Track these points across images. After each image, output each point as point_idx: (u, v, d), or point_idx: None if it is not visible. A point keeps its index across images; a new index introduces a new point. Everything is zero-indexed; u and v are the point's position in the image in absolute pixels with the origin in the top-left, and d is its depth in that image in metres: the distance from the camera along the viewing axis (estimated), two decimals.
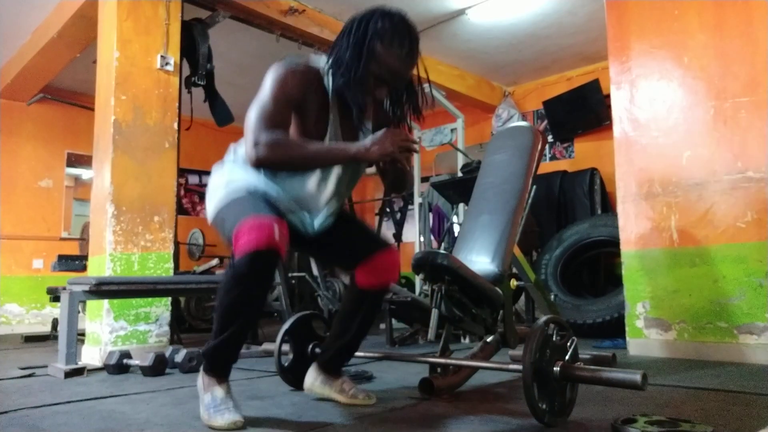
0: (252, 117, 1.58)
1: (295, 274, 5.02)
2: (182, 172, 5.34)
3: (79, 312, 2.68)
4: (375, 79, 1.62)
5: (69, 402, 1.97)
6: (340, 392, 1.86)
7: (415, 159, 5.35)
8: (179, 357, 2.67)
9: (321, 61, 1.71)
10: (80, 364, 2.66)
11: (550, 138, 5.80)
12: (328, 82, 1.67)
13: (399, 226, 6.04)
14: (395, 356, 2.37)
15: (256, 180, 1.68)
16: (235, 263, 1.52)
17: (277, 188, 1.70)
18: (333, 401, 1.87)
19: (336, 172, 1.72)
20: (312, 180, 1.70)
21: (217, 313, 1.60)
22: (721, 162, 2.87)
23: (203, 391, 1.63)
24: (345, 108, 1.70)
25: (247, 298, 1.57)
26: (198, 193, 7.12)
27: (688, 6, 3.04)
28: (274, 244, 1.50)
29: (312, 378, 1.93)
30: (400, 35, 1.60)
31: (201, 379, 1.65)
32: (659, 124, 3.11)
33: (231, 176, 1.71)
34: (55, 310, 5.25)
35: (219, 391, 1.60)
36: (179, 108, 3.46)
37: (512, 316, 2.21)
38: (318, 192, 1.72)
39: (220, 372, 1.63)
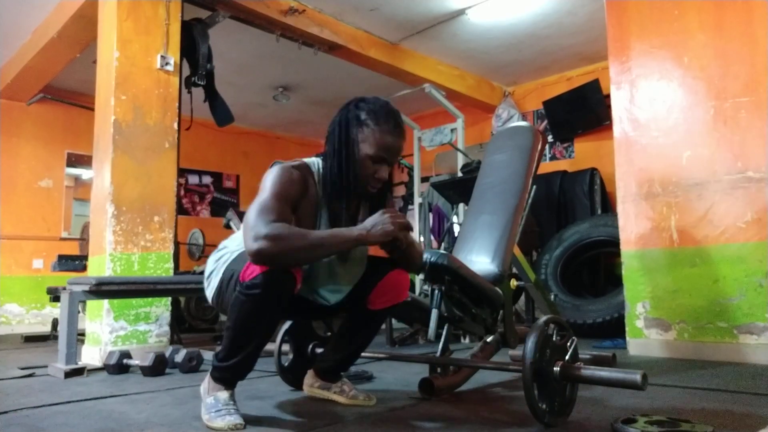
0: (252, 213, 1.52)
1: None
2: (182, 172, 5.35)
3: (79, 312, 2.68)
4: (373, 162, 1.63)
5: (69, 402, 1.97)
6: (340, 393, 1.87)
7: (415, 159, 5.35)
8: (179, 357, 2.67)
9: (314, 164, 1.70)
10: (80, 364, 2.66)
11: (550, 138, 5.80)
12: (320, 187, 1.67)
13: None
14: (395, 356, 2.37)
15: None
16: (246, 284, 1.49)
17: None
18: (333, 402, 1.87)
19: (339, 260, 1.72)
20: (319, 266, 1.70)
21: (226, 335, 1.58)
22: (721, 162, 2.87)
23: (206, 394, 1.62)
24: (336, 207, 1.70)
25: (258, 322, 1.54)
26: (198, 193, 7.12)
27: (688, 6, 3.04)
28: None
29: (311, 381, 1.94)
30: (383, 113, 1.63)
31: (206, 383, 1.65)
32: (659, 124, 3.11)
33: (232, 245, 1.70)
34: (55, 310, 5.26)
35: (222, 395, 1.60)
36: (179, 108, 3.46)
37: (512, 316, 2.21)
38: (327, 276, 1.72)
39: (226, 384, 1.63)
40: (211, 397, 1.60)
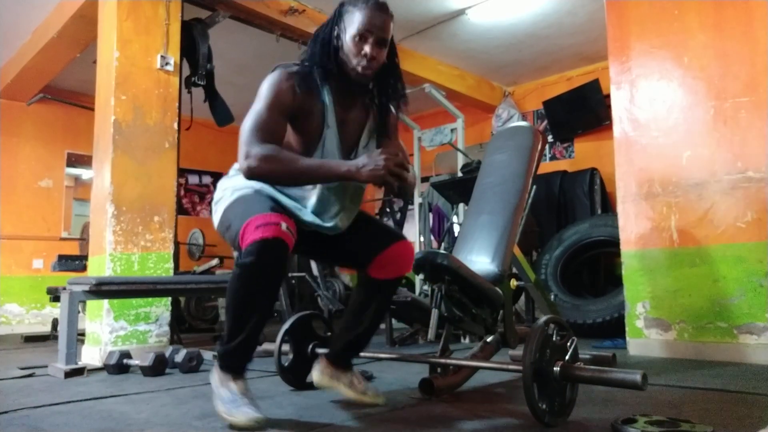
0: (246, 127, 1.59)
1: (295, 274, 5.02)
2: (182, 172, 5.34)
3: (79, 312, 2.68)
4: (359, 40, 1.63)
5: (69, 402, 1.97)
6: (349, 386, 1.83)
7: (415, 159, 5.35)
8: (179, 357, 2.67)
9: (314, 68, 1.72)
10: (80, 364, 2.66)
11: (550, 138, 5.80)
12: (317, 78, 1.68)
13: (399, 226, 6.00)
14: (395, 356, 2.37)
15: (260, 185, 1.68)
16: (242, 255, 1.50)
17: (280, 195, 1.70)
18: (340, 398, 1.86)
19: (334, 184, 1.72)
20: (311, 189, 1.71)
21: (228, 315, 1.57)
22: (721, 162, 2.87)
23: (219, 387, 1.60)
24: (342, 100, 1.71)
25: (256, 292, 1.54)
26: (198, 193, 7.12)
27: (688, 6, 3.04)
28: (281, 234, 1.48)
29: (320, 370, 1.89)
30: None
31: (216, 375, 1.63)
32: (659, 124, 3.11)
33: (237, 183, 1.71)
34: (55, 310, 5.25)
35: (236, 386, 1.58)
36: (179, 108, 3.46)
37: (512, 316, 2.21)
38: (319, 200, 1.72)
39: (236, 371, 1.61)
40: (224, 388, 1.58)
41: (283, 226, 1.50)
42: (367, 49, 1.63)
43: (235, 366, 1.60)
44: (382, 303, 1.85)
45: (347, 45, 1.64)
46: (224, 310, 1.62)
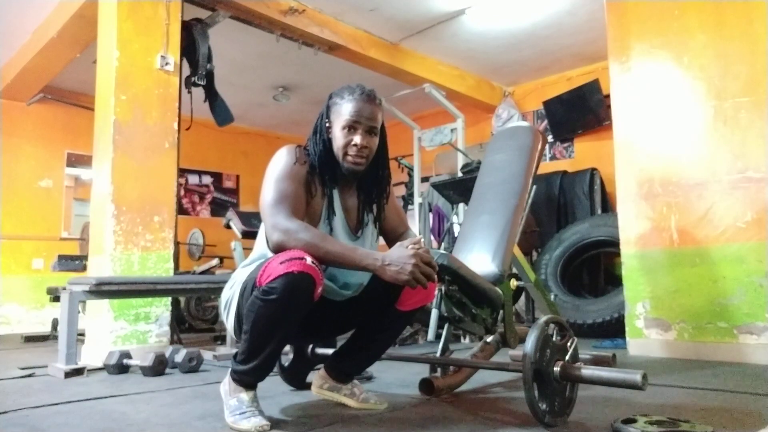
0: (267, 199, 1.58)
1: None
2: (182, 172, 5.34)
3: (79, 312, 2.68)
4: (347, 132, 1.66)
5: (69, 402, 1.97)
6: (350, 396, 1.83)
7: (415, 159, 5.35)
8: (179, 357, 2.67)
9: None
10: (80, 364, 2.66)
11: (550, 138, 5.80)
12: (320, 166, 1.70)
13: None
14: (395, 356, 2.36)
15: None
16: (263, 288, 1.45)
17: None
18: (335, 403, 1.86)
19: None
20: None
21: (246, 337, 1.53)
22: (721, 162, 2.87)
23: (228, 396, 1.60)
24: (342, 188, 1.73)
25: (279, 326, 1.49)
26: (198, 193, 7.12)
27: (688, 6, 3.04)
28: (306, 269, 1.43)
29: (320, 382, 1.90)
30: (349, 88, 1.71)
31: (227, 384, 1.63)
32: (659, 124, 3.11)
33: (242, 274, 1.67)
34: (55, 310, 5.25)
35: (245, 396, 1.58)
36: (179, 108, 3.46)
37: (512, 316, 2.21)
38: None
39: (248, 386, 1.60)
40: (233, 398, 1.58)
41: (308, 259, 1.45)
42: (356, 139, 1.66)
43: (248, 382, 1.60)
44: (399, 330, 1.85)
45: (337, 137, 1.67)
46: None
